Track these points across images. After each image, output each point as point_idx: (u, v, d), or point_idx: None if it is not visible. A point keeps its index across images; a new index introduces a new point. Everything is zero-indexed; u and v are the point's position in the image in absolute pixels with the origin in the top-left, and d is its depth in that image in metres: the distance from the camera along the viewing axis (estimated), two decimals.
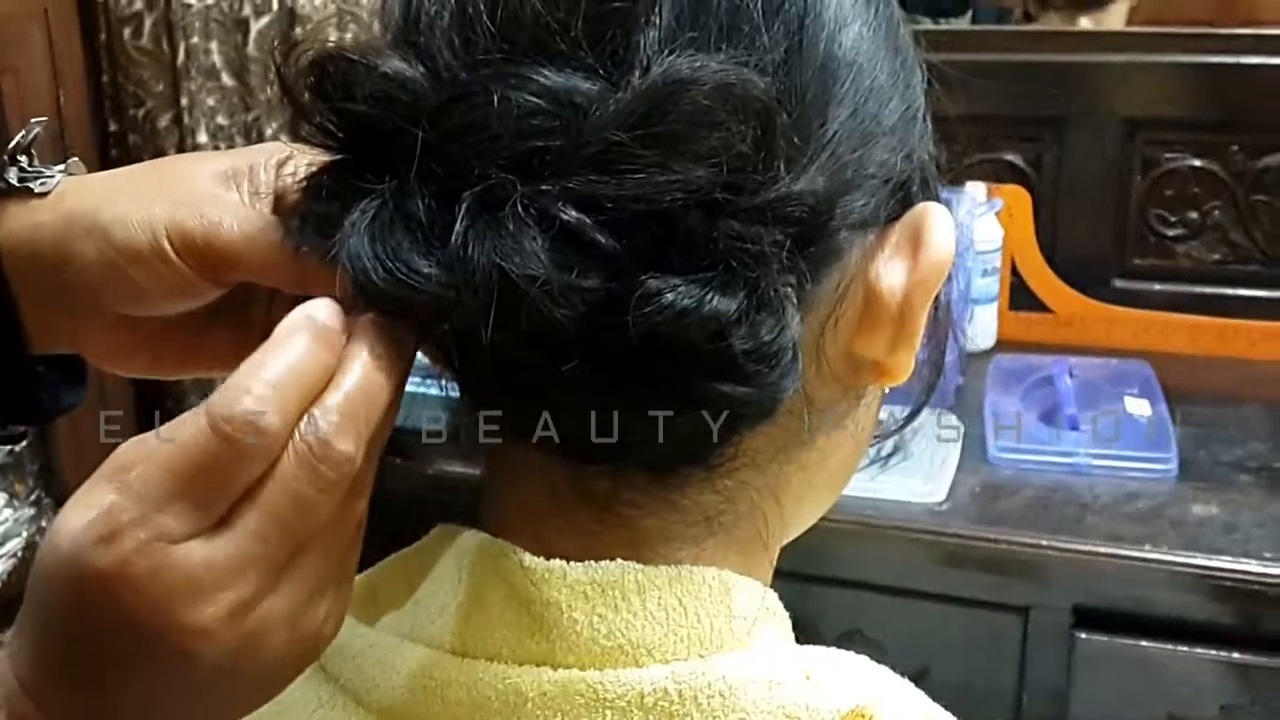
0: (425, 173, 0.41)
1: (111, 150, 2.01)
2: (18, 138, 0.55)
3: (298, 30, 1.87)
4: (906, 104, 0.48)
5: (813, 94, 0.44)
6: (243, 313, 0.57)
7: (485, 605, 0.47)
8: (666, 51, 0.41)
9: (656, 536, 0.47)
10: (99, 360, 0.57)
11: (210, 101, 1.92)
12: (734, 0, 0.43)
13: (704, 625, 0.46)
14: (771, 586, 0.50)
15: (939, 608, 1.40)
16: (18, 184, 0.53)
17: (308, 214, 0.45)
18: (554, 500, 0.48)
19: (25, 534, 2.03)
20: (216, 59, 1.91)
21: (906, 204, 0.48)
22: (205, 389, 1.76)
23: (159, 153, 1.97)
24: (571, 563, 0.46)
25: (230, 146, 1.93)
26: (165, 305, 0.53)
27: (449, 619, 0.47)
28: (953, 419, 1.55)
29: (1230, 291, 1.82)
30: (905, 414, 0.58)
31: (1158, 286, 1.84)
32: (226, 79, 1.92)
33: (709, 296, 0.40)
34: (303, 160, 0.51)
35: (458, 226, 0.40)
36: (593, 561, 0.46)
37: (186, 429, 0.39)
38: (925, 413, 0.57)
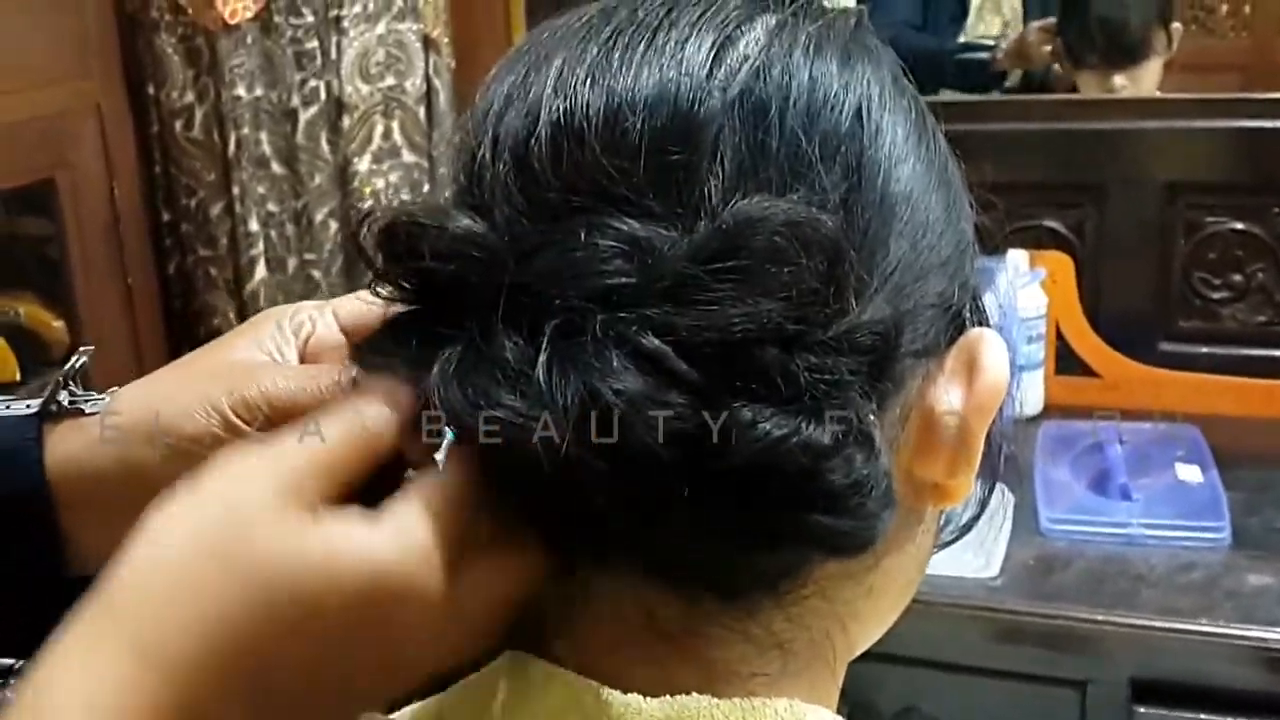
0: (507, 315, 0.43)
1: (165, 240, 2.05)
2: (67, 365, 0.56)
3: (345, 120, 1.91)
4: (959, 235, 0.50)
5: (874, 230, 0.45)
6: None
7: None
8: (733, 199, 0.43)
9: (728, 667, 0.48)
10: None
11: (261, 190, 1.96)
12: (793, 146, 0.44)
13: None
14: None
15: (996, 683, 1.39)
16: (69, 405, 0.55)
17: (387, 354, 0.46)
18: (625, 629, 0.48)
19: None
20: (266, 148, 1.95)
21: (960, 329, 0.50)
22: None
23: (211, 241, 1.99)
24: (648, 698, 0.46)
25: (281, 233, 1.96)
26: None
27: None
28: (1004, 490, 1.55)
29: (1277, 353, 1.82)
30: (961, 524, 0.58)
31: (1204, 349, 1.84)
32: (276, 167, 1.96)
33: (803, 426, 0.41)
34: (304, 315, 0.56)
35: (541, 356, 0.41)
36: (668, 696, 0.46)
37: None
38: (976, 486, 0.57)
